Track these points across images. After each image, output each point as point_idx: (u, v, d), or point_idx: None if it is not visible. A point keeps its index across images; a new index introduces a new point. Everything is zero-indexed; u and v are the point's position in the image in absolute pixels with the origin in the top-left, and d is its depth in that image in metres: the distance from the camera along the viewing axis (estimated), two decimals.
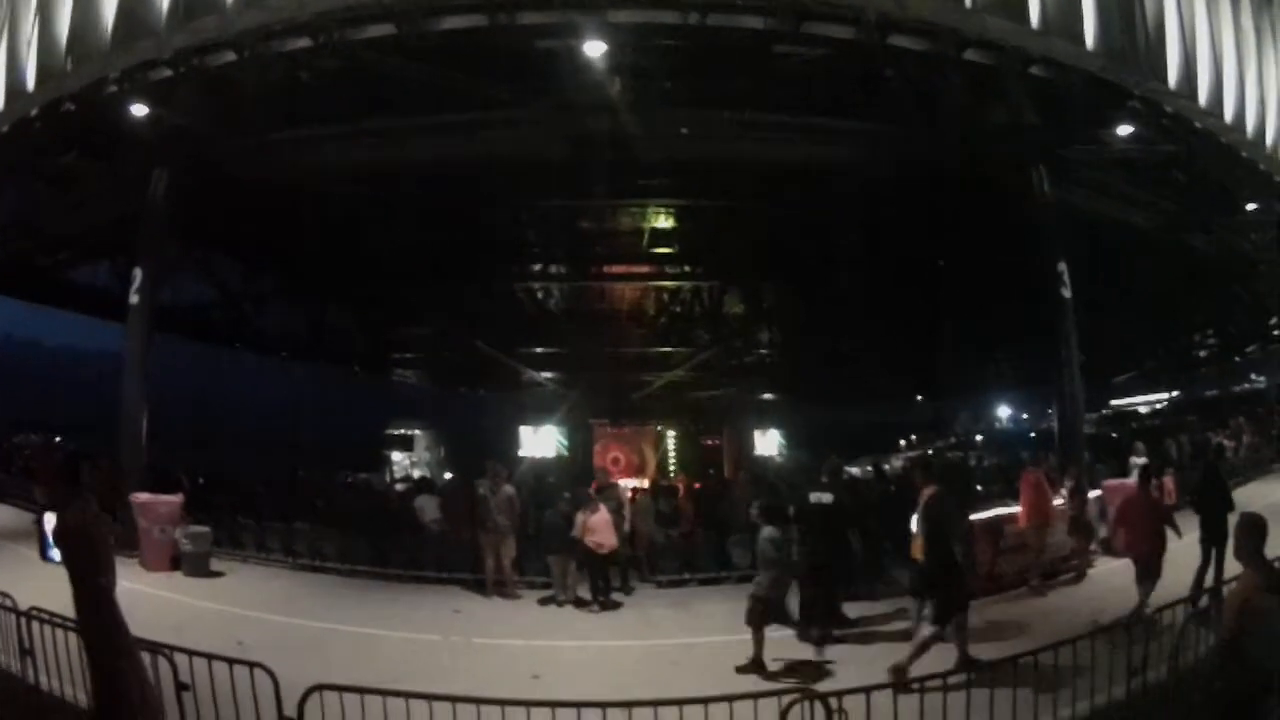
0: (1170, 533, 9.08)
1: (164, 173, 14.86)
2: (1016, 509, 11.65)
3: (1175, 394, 41.98)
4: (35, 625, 6.09)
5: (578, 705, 4.76)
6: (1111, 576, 11.12)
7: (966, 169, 15.11)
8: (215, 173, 15.15)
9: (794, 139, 14.57)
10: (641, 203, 17.85)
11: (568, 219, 19.64)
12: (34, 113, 14.02)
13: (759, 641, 7.96)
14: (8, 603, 6.61)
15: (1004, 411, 51.32)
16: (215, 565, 12.89)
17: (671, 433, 35.77)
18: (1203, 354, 35.55)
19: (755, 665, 7.90)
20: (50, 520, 7.19)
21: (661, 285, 23.98)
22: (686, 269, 21.57)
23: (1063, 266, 14.80)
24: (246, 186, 15.55)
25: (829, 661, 7.94)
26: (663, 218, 19.58)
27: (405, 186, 15.94)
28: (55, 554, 5.62)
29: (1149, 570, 8.72)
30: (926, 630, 7.33)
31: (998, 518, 11.44)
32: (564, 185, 15.68)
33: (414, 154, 14.74)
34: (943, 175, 15.42)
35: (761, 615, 8.01)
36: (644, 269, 21.41)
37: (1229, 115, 15.12)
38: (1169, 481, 14.68)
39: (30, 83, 13.56)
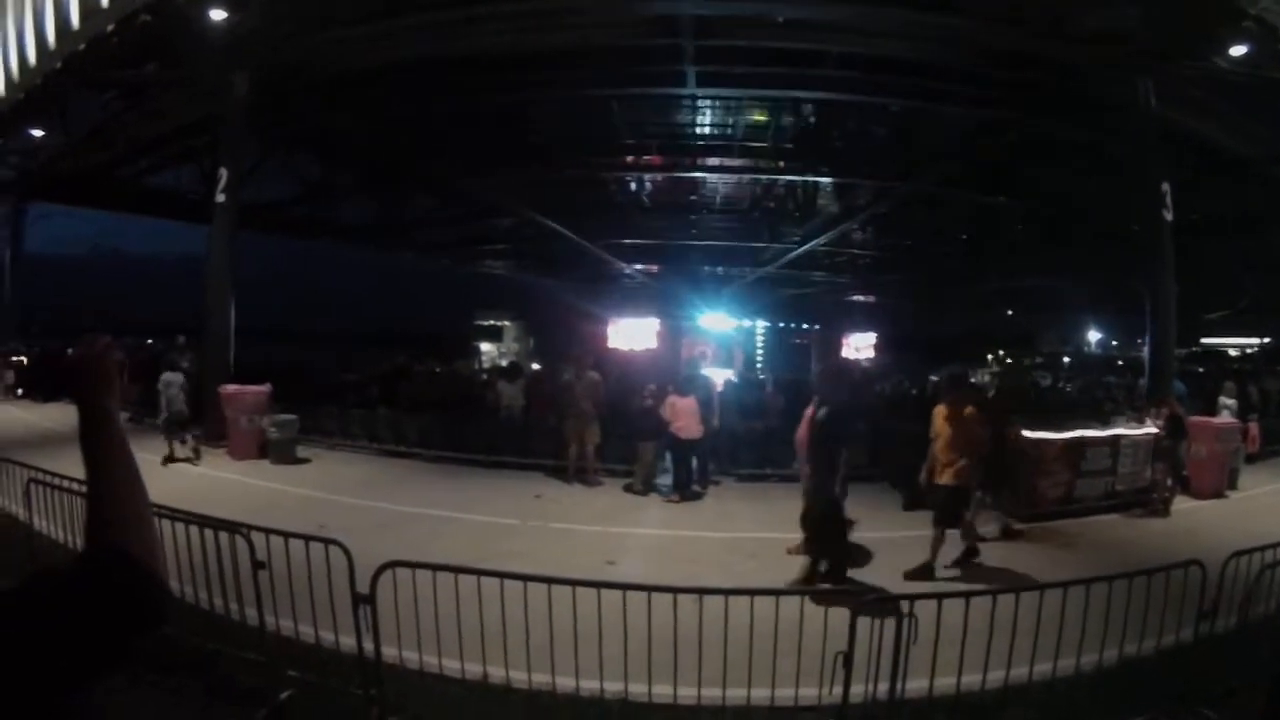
0: None
1: (244, 75, 14.95)
2: (1096, 433, 11.34)
3: (1266, 340, 39.54)
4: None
5: (649, 589, 4.66)
6: (1185, 517, 10.63)
7: (1067, 75, 14.10)
8: (293, 72, 15.12)
9: (888, 33, 13.60)
10: (735, 94, 17.11)
11: (661, 108, 19.01)
12: (110, 27, 14.04)
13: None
14: None
15: (1094, 335, 49.25)
16: (301, 453, 13.40)
17: (761, 328, 35.61)
18: None
19: None
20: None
21: (755, 178, 23.17)
22: (781, 164, 20.68)
23: (1166, 187, 13.98)
24: (326, 82, 15.41)
25: None
26: (757, 110, 18.78)
27: (488, 76, 15.48)
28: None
29: None
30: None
31: (1080, 439, 10.99)
32: (658, 75, 15.05)
33: (496, 43, 14.28)
34: (1041, 80, 14.37)
35: None
36: (737, 162, 20.62)
37: None
38: (1253, 428, 14.05)
39: None
